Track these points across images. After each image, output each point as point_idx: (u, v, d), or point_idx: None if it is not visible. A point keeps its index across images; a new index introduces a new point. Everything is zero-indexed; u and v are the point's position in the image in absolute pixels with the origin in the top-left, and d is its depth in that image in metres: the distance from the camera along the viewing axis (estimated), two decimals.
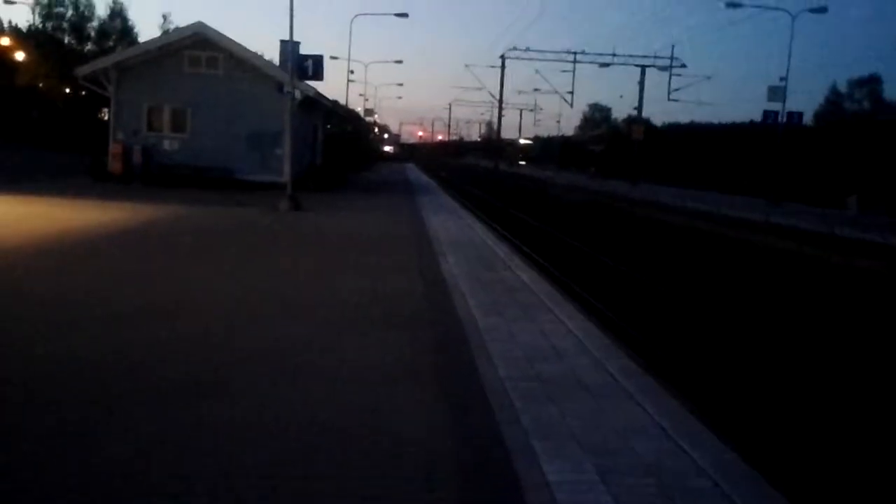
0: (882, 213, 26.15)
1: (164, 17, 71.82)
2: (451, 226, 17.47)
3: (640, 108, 53.95)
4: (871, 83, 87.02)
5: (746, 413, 7.16)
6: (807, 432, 6.83)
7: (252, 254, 11.49)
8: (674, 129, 68.28)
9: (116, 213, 15.89)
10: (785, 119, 33.44)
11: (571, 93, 57.52)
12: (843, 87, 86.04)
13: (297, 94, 21.00)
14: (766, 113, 33.41)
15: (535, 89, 73.89)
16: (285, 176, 25.45)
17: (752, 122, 61.91)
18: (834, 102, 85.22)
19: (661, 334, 10.23)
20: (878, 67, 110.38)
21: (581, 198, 39.05)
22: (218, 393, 5.00)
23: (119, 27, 69.88)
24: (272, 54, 28.17)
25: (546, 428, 4.61)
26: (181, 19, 71.47)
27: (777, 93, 32.93)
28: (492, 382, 5.48)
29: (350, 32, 65.96)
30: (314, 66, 20.12)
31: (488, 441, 4.38)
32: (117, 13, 70.20)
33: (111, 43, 62.46)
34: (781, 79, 33.05)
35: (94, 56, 44.70)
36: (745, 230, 21.11)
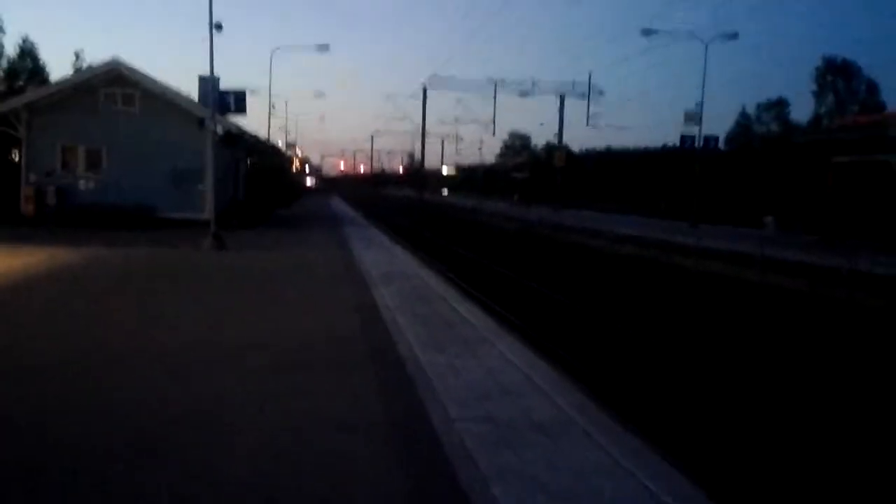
0: (798, 231, 26.99)
1: (77, 54, 69.32)
2: (382, 259, 17.22)
3: (560, 134, 54.91)
4: (779, 106, 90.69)
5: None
6: None
7: (174, 298, 11.02)
8: (594, 155, 69.71)
9: (28, 257, 15.10)
10: (702, 143, 34.41)
11: (493, 121, 58.13)
12: (751, 111, 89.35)
13: (219, 130, 20.54)
14: (684, 137, 34.34)
15: (456, 119, 74.59)
16: (207, 213, 24.95)
17: (666, 147, 63.82)
18: (744, 125, 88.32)
19: (611, 369, 10.19)
20: (785, 91, 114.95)
21: (508, 225, 39.30)
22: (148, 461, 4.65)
23: (29, 66, 67.71)
24: (192, 90, 27.59)
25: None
26: (95, 57, 69.66)
27: (693, 117, 33.90)
28: (442, 426, 5.27)
29: (270, 65, 65.15)
30: (236, 101, 19.78)
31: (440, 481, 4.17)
32: (27, 52, 68.04)
33: (21, 83, 60.40)
34: (697, 104, 34.06)
35: (3, 96, 43.06)
36: (675, 254, 21.43)
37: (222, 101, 19.75)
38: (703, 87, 35.07)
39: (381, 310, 10.09)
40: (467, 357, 7.41)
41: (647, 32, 34.32)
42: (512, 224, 39.36)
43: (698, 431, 7.84)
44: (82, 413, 5.43)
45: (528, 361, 7.33)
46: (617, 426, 5.44)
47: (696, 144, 34.02)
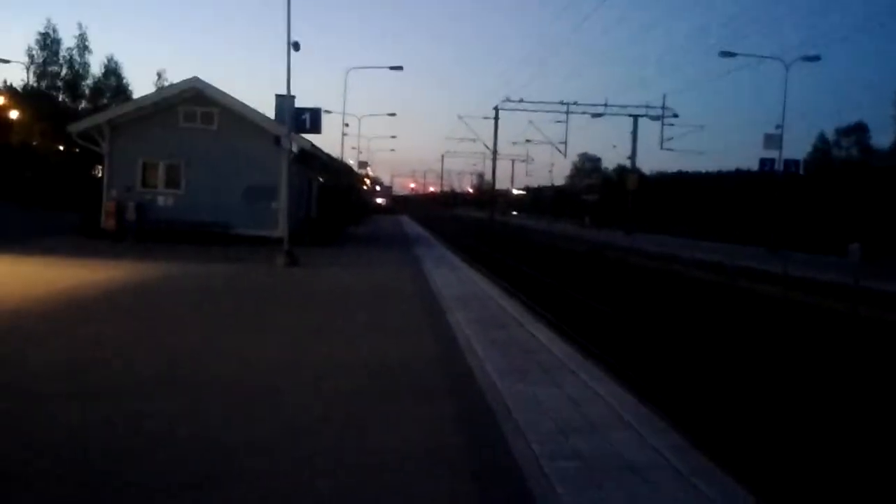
0: (886, 260, 25.86)
1: (159, 74, 71.76)
2: (454, 280, 17.01)
3: (633, 157, 54.04)
4: (858, 131, 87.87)
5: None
6: None
7: (250, 316, 10.98)
8: (666, 179, 68.48)
9: (111, 271, 15.38)
10: (782, 167, 33.35)
11: (564, 143, 57.64)
12: (830, 135, 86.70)
13: (294, 148, 20.70)
14: (763, 161, 33.32)
15: (527, 140, 74.17)
16: (281, 230, 25.18)
17: (739, 171, 62.35)
18: (822, 150, 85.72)
19: (702, 404, 9.74)
20: (866, 115, 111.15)
21: (581, 248, 38.71)
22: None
23: (114, 85, 70.15)
24: (267, 108, 28.04)
25: None
26: (176, 76, 71.67)
27: (773, 140, 32.88)
28: (527, 461, 4.98)
29: (345, 85, 66.07)
30: (311, 119, 19.83)
31: None
32: (112, 71, 70.50)
33: (105, 100, 62.60)
34: (777, 126, 33.05)
35: (88, 114, 44.54)
36: (762, 282, 20.60)
37: (298, 118, 19.83)
38: (784, 109, 34.08)
39: (456, 334, 9.84)
40: (548, 385, 7.10)
41: (725, 55, 33.53)
42: (582, 246, 38.78)
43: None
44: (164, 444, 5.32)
45: (612, 392, 6.97)
46: (712, 467, 5.07)
47: (777, 168, 32.95)
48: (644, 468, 4.96)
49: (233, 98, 25.86)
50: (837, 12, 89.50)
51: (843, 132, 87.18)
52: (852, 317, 16.93)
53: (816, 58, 32.31)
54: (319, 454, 5.06)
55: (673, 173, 69.84)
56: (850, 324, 16.55)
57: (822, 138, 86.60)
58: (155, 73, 74.29)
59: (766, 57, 34.18)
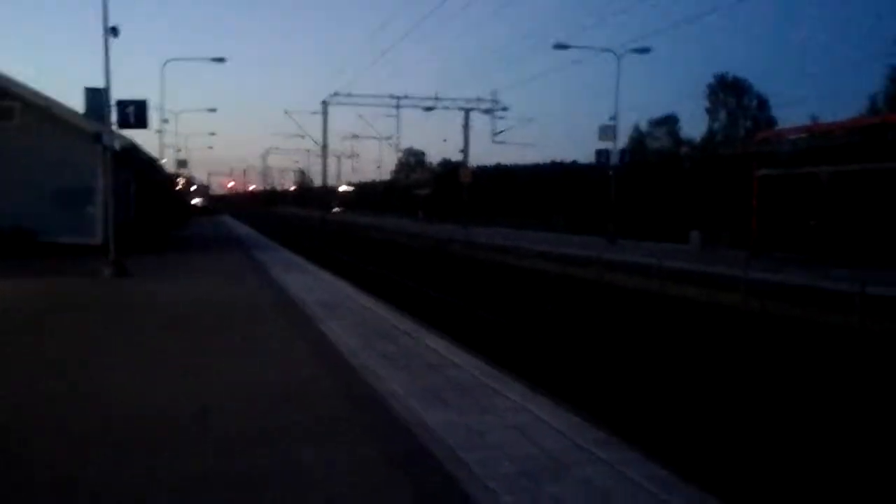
0: (724, 247, 26.77)
1: None
2: (309, 285, 15.54)
3: (465, 150, 54.07)
4: (669, 122, 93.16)
5: None
6: None
7: (82, 340, 9.11)
8: (498, 171, 69.40)
9: None
10: (618, 158, 34.06)
11: (397, 137, 56.85)
12: (644, 127, 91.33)
13: (116, 145, 18.39)
14: (599, 152, 33.83)
15: (355, 135, 72.88)
16: (99, 237, 22.55)
17: (574, 163, 64.14)
18: (638, 140, 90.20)
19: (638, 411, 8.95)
20: (679, 108, 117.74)
21: (419, 244, 37.93)
22: None
23: None
24: (77, 104, 25.08)
25: None
26: None
27: (608, 132, 33.49)
28: None
29: (162, 77, 61.71)
30: (136, 113, 17.54)
31: None
32: None
33: None
34: (611, 118, 33.67)
35: None
36: (616, 272, 20.44)
37: (122, 112, 17.51)
38: (617, 100, 34.82)
39: (340, 349, 8.54)
40: (475, 412, 5.99)
41: (559, 47, 33.76)
42: (425, 242, 38.04)
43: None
44: None
45: (552, 414, 5.97)
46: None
47: (612, 159, 33.57)
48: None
49: (36, 91, 22.90)
50: (667, 5, 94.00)
51: (655, 123, 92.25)
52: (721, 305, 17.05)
53: (646, 49, 33.17)
54: None
55: (505, 166, 70.82)
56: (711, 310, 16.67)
57: (636, 129, 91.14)
58: None
59: (599, 49, 34.52)
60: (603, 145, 33.74)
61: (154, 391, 6.63)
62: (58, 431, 5.45)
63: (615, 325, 15.80)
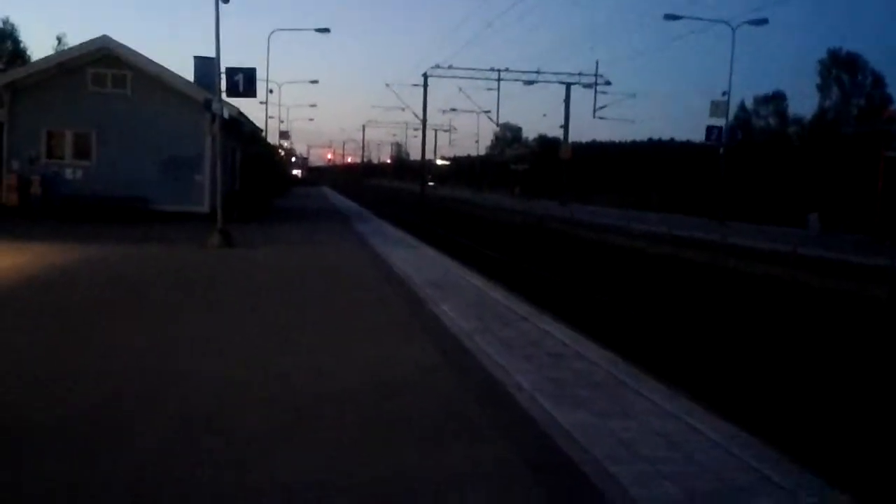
0: (842, 231, 25.16)
1: (59, 38, 66.95)
2: (413, 260, 15.17)
3: (566, 126, 52.79)
4: (776, 100, 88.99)
5: None
6: None
7: (196, 315, 8.91)
8: (599, 147, 67.80)
9: (14, 256, 12.96)
10: (727, 136, 32.41)
11: (489, 111, 56.04)
12: (749, 104, 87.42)
13: (225, 113, 18.36)
14: (710, 129, 32.26)
15: (453, 109, 72.26)
16: (206, 205, 22.81)
17: (673, 140, 62.12)
18: (744, 119, 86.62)
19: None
20: (786, 84, 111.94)
21: (524, 220, 37.15)
22: None
23: (10, 49, 65.22)
24: (186, 73, 25.42)
25: None
26: (79, 40, 67.11)
27: (720, 108, 31.86)
28: None
29: (268, 48, 62.44)
30: (245, 81, 17.47)
31: None
32: (7, 34, 65.53)
33: (1, 66, 57.92)
34: (724, 93, 32.03)
35: None
36: (737, 257, 19.24)
37: (230, 81, 17.46)
38: (731, 75, 33.14)
39: (454, 332, 8.06)
40: (618, 415, 5.39)
41: (670, 17, 32.30)
42: (524, 218, 37.30)
43: None
44: None
45: (701, 420, 5.32)
46: None
47: (723, 137, 31.93)
48: None
49: (148, 59, 23.25)
50: None
51: (762, 100, 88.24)
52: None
53: (764, 21, 31.27)
54: None
55: (606, 142, 69.16)
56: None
57: (741, 107, 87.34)
58: (55, 37, 69.07)
59: (713, 20, 32.86)
60: (712, 122, 32.13)
61: (238, 369, 6.28)
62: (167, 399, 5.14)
63: (753, 318, 14.48)
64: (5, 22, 65.66)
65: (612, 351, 7.54)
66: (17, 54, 63.37)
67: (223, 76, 17.50)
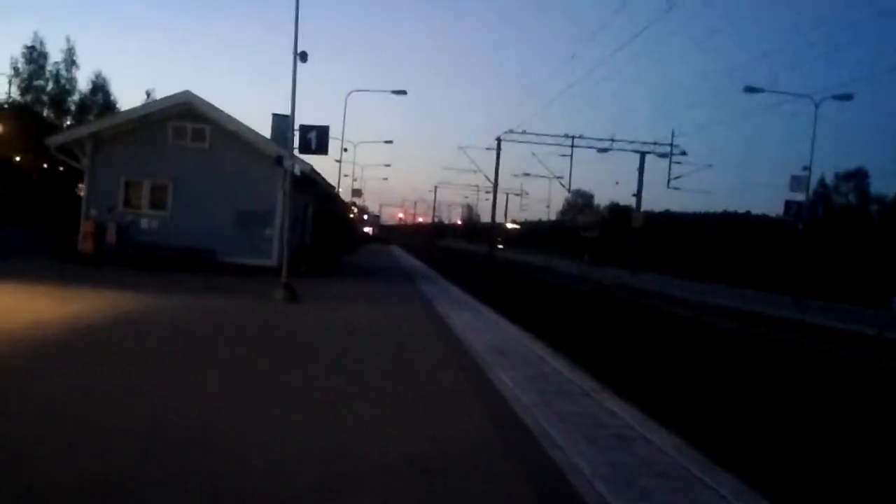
0: None
1: (148, 93, 69.81)
2: (475, 324, 14.84)
3: (639, 194, 52.16)
4: (858, 177, 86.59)
5: None
6: None
7: (246, 372, 8.74)
8: (671, 218, 66.83)
9: (78, 303, 13.11)
10: (808, 211, 31.37)
11: (561, 177, 55.85)
12: (829, 180, 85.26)
13: (297, 170, 18.57)
14: (788, 203, 31.31)
15: (525, 173, 72.53)
16: (275, 259, 23.00)
17: (748, 213, 60.78)
18: (824, 195, 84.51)
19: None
20: (867, 160, 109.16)
21: (591, 288, 36.48)
22: None
23: (101, 101, 68.14)
24: (263, 129, 26.04)
25: None
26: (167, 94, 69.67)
27: (800, 182, 30.97)
28: None
29: (345, 108, 63.88)
30: (318, 139, 17.70)
31: None
32: (99, 87, 68.60)
33: (92, 118, 60.61)
34: (805, 167, 31.18)
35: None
36: (821, 339, 18.25)
37: (304, 138, 17.70)
38: (812, 149, 32.06)
39: (512, 405, 7.67)
40: None
41: (750, 90, 31.76)
42: (594, 287, 36.62)
43: None
44: None
45: None
46: None
47: (802, 211, 30.92)
48: None
49: (227, 114, 23.81)
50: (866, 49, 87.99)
51: (843, 177, 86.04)
52: None
53: (849, 97, 30.54)
54: None
55: (679, 212, 68.14)
56: None
57: (822, 182, 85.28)
58: (144, 92, 72.20)
59: (795, 94, 32.19)
60: (791, 196, 31.21)
61: (295, 430, 6.01)
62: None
63: (843, 410, 13.58)
64: (97, 76, 68.78)
65: (676, 434, 7.04)
66: (108, 106, 66.15)
67: (297, 133, 17.75)
